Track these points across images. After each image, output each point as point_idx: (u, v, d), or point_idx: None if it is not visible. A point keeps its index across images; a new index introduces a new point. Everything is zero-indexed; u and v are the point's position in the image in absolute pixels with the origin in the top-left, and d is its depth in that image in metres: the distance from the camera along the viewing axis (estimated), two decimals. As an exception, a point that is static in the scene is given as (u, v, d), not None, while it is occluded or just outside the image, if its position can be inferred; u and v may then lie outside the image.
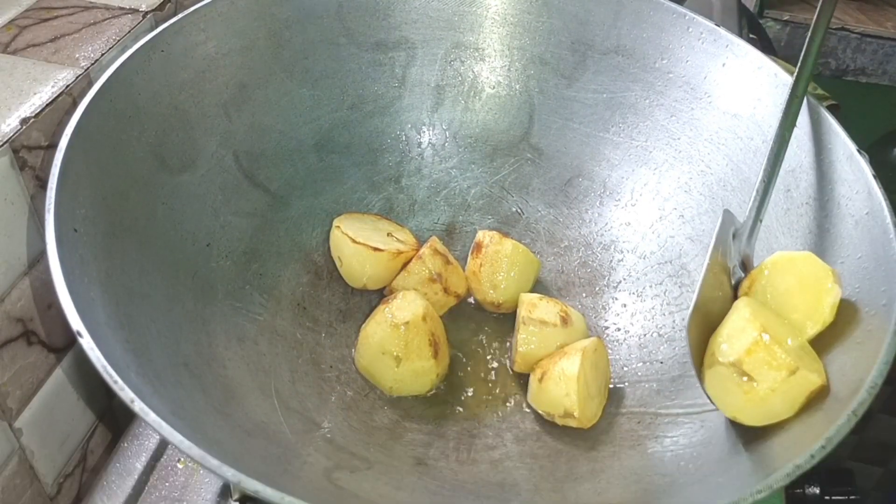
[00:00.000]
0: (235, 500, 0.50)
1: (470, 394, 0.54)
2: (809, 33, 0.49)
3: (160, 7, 0.58)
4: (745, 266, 0.50)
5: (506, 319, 0.59)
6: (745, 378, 0.41)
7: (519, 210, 0.65)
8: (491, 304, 0.58)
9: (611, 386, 0.54)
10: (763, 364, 0.40)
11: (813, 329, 0.43)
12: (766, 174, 0.49)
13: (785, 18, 1.12)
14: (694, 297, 0.44)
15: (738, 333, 0.42)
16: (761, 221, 0.50)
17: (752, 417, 0.41)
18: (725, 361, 0.41)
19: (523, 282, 0.58)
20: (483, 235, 0.58)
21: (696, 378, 0.44)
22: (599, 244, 0.62)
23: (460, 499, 0.46)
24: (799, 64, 0.49)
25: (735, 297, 0.48)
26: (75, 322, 0.37)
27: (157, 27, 0.53)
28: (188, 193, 0.54)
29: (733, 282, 0.49)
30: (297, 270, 0.59)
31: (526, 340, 0.53)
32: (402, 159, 0.66)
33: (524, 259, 0.57)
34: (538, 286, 0.60)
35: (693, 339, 0.44)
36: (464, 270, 0.59)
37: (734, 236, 0.50)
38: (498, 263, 0.57)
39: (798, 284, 0.44)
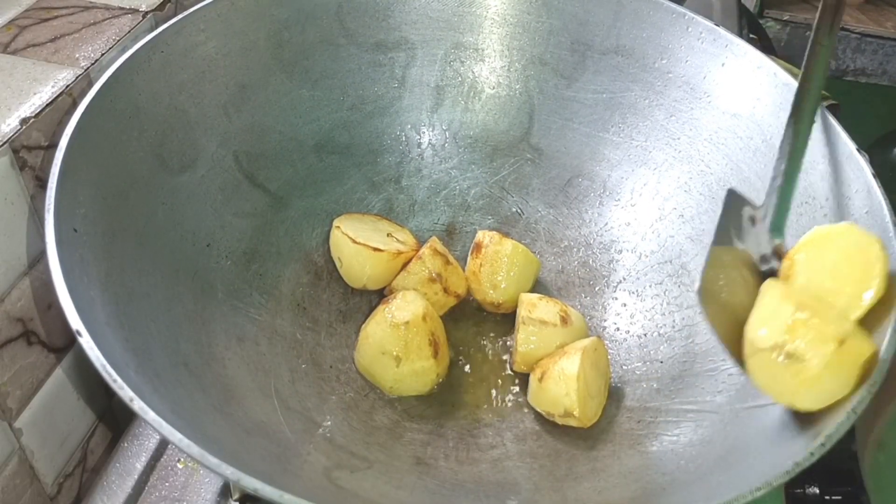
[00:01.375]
0: (235, 500, 0.50)
1: (470, 394, 0.54)
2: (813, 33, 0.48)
3: (160, 7, 0.59)
4: (779, 255, 0.47)
5: (506, 319, 0.59)
6: (792, 359, 0.38)
7: (519, 210, 0.65)
8: (491, 304, 0.58)
9: (610, 385, 0.54)
10: (809, 340, 0.37)
11: (868, 299, 0.40)
12: (790, 165, 0.47)
13: (785, 18, 1.12)
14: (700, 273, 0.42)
15: (772, 316, 0.39)
16: (788, 211, 0.47)
17: (809, 400, 0.38)
18: (767, 346, 0.39)
19: (523, 282, 0.58)
20: (483, 236, 0.58)
21: (696, 377, 0.44)
22: (599, 244, 0.62)
23: (460, 498, 0.46)
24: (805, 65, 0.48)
25: None
26: (75, 321, 0.37)
27: (157, 27, 0.53)
28: (188, 194, 0.54)
29: (764, 269, 0.46)
30: (297, 271, 0.59)
31: (526, 340, 0.53)
32: (402, 160, 0.66)
33: (524, 259, 0.57)
34: (538, 286, 0.60)
35: (721, 333, 0.41)
36: (464, 271, 0.59)
37: (753, 222, 0.47)
38: (498, 264, 0.57)
39: (844, 257, 0.41)
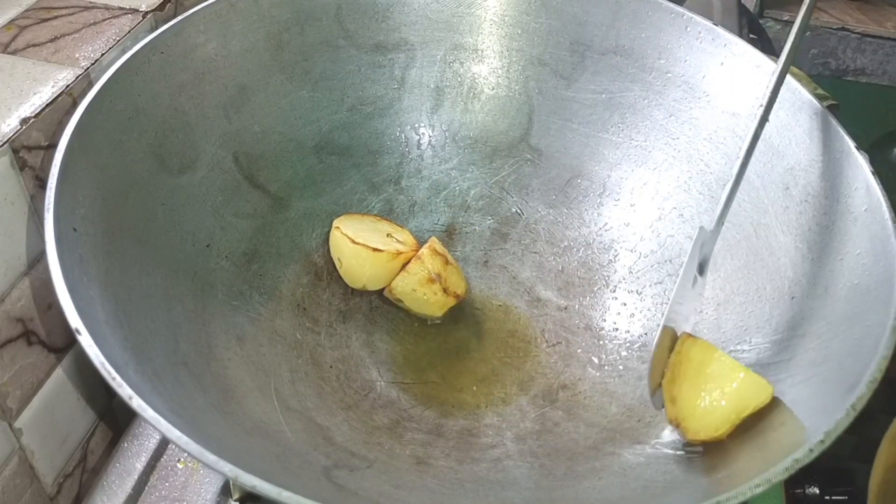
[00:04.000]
0: (235, 500, 0.50)
1: (470, 393, 0.54)
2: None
3: (160, 7, 0.59)
4: (702, 267, 0.50)
5: (506, 320, 0.59)
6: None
7: (519, 210, 0.65)
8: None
9: (610, 384, 0.54)
10: None
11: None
12: (736, 179, 0.49)
13: (785, 18, 1.12)
14: (662, 320, 0.45)
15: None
16: (723, 224, 0.50)
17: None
18: None
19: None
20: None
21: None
22: (599, 244, 0.62)
23: (460, 497, 0.46)
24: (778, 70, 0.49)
25: None
26: (74, 320, 0.37)
27: (157, 27, 0.54)
28: (188, 194, 0.54)
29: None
30: (296, 271, 0.59)
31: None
32: (402, 160, 0.66)
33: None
34: (539, 286, 0.60)
35: (657, 356, 0.45)
36: (463, 271, 0.59)
37: (702, 248, 0.50)
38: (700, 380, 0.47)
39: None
